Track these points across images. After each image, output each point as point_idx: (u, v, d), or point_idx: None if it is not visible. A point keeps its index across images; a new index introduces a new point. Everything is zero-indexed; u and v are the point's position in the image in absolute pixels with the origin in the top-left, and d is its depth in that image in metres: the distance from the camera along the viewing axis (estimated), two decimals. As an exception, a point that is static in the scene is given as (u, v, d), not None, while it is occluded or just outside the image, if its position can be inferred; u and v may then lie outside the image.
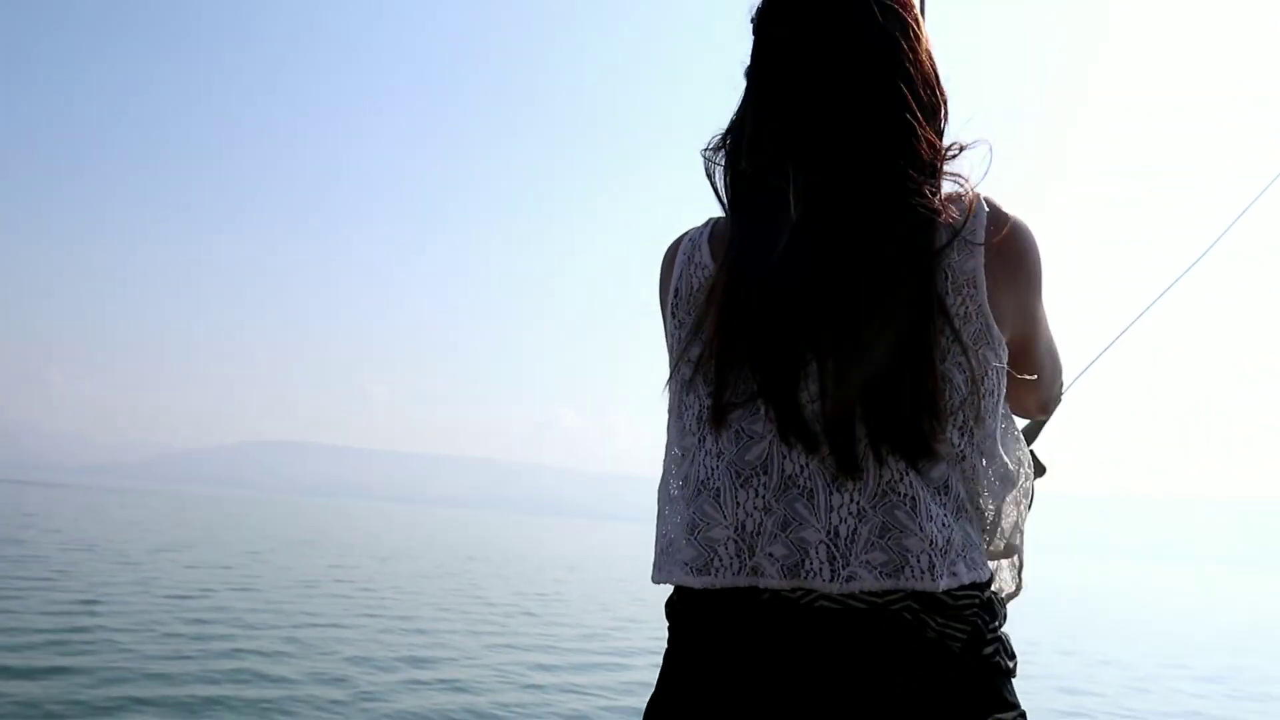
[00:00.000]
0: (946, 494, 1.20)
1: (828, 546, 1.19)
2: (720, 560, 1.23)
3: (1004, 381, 1.26)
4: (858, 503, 1.20)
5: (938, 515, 1.19)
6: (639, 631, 16.37)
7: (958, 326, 1.20)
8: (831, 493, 1.20)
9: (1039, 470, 1.50)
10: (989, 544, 1.28)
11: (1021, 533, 1.37)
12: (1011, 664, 1.27)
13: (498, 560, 37.45)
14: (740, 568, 1.23)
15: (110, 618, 12.78)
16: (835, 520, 1.20)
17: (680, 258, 1.38)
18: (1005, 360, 1.25)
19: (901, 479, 1.19)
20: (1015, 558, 1.39)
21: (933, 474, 1.20)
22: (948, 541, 1.19)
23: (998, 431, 1.26)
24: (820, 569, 1.20)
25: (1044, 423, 1.61)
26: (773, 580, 1.21)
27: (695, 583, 1.24)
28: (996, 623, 1.26)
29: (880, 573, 1.18)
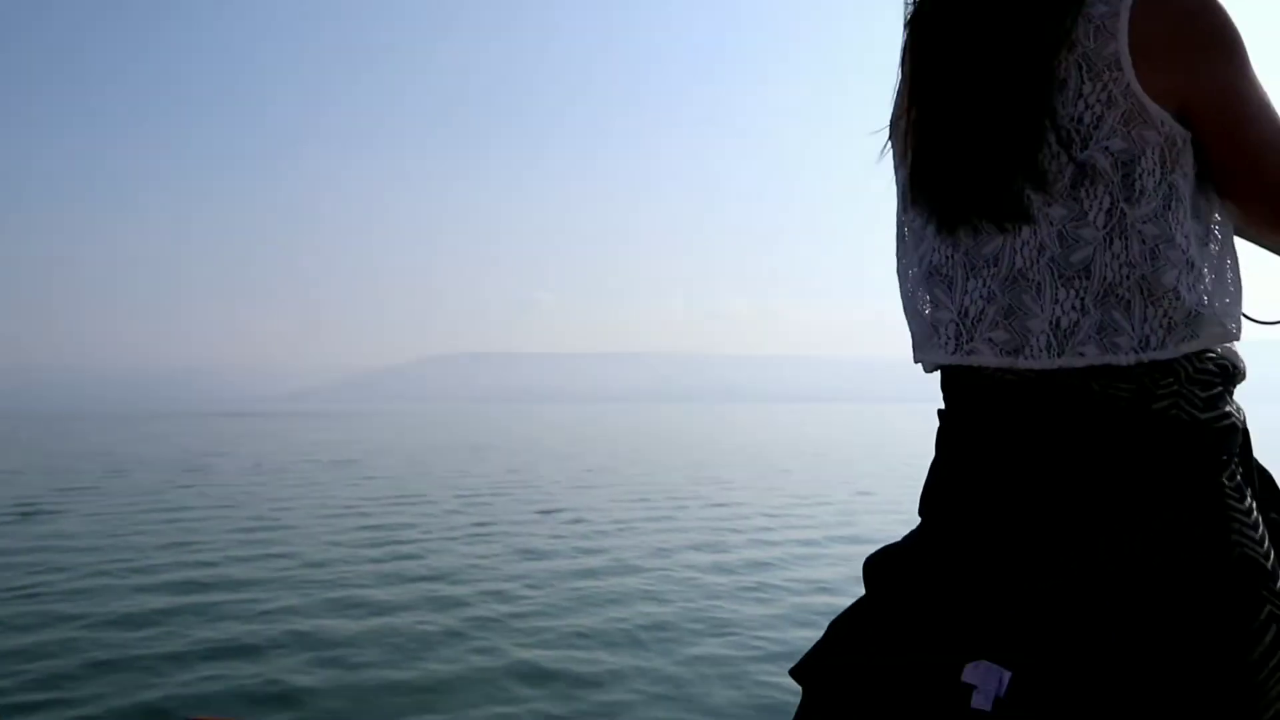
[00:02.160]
0: (1087, 278, 1.20)
1: (957, 325, 1.29)
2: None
3: (1181, 161, 1.20)
4: (987, 286, 1.25)
5: (1065, 299, 1.20)
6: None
7: (1090, 106, 1.19)
8: (968, 277, 1.28)
9: None
10: (1170, 324, 1.20)
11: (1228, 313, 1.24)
12: (1212, 417, 1.21)
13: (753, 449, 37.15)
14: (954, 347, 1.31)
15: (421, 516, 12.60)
16: (966, 301, 1.28)
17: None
18: (1177, 140, 1.20)
19: (1033, 265, 1.22)
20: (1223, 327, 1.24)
21: (1072, 258, 1.20)
22: (1074, 325, 1.20)
23: (1172, 215, 1.19)
24: (944, 343, 1.30)
25: None
26: (944, 356, 1.31)
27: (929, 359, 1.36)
28: (1173, 381, 1.20)
29: (1000, 350, 1.24)
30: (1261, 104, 1.22)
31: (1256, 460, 1.30)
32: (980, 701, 1.14)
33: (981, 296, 1.26)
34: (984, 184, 1.23)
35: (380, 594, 9.28)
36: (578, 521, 15.17)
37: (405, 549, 12.23)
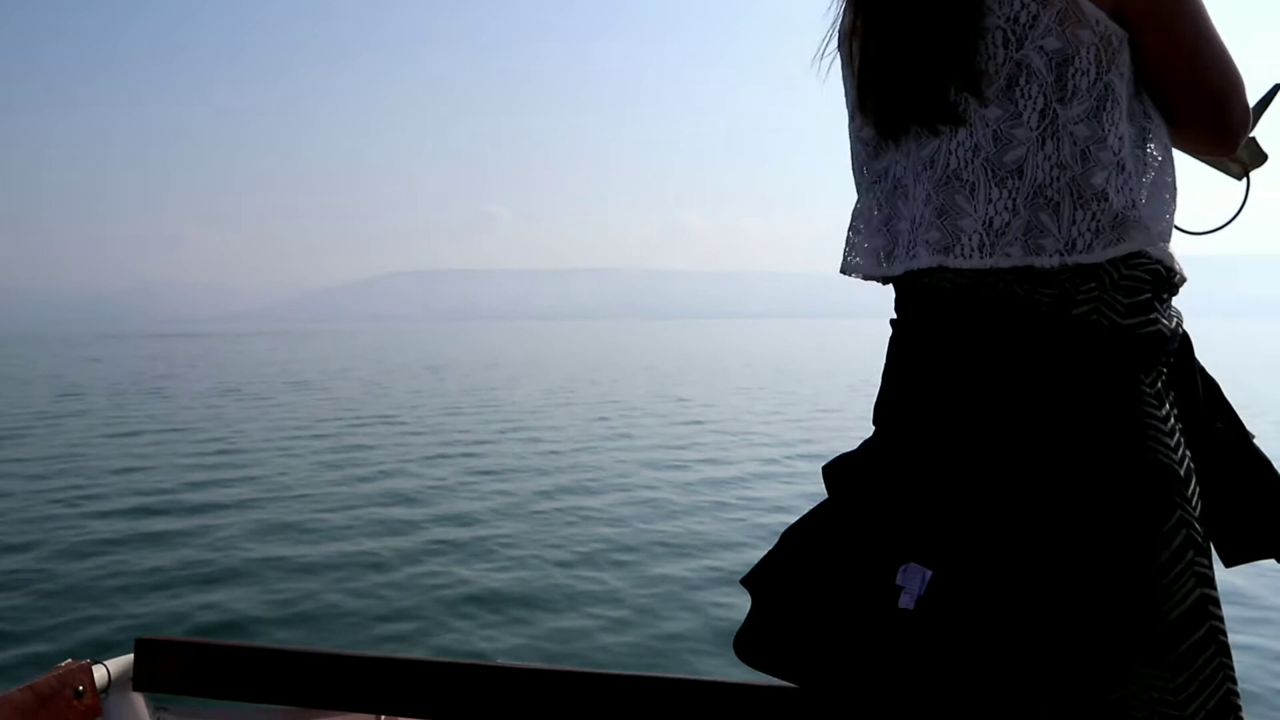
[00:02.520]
0: (1020, 178, 1.21)
1: (908, 233, 1.30)
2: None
3: (1117, 61, 1.21)
4: (925, 189, 1.27)
5: (999, 199, 1.21)
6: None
7: (1023, 6, 1.19)
8: (915, 183, 1.29)
9: (1260, 158, 1.46)
10: (1097, 227, 1.20)
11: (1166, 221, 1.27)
12: (1135, 323, 1.21)
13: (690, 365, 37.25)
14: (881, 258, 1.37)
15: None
16: (915, 210, 1.29)
17: None
18: (1112, 40, 1.20)
19: (967, 165, 1.23)
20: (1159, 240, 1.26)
21: (1006, 158, 1.21)
22: (1005, 225, 1.21)
23: (1106, 116, 1.20)
24: (900, 253, 1.32)
25: (1259, 110, 1.40)
26: (879, 269, 1.36)
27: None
28: (1095, 287, 1.21)
29: (933, 249, 1.24)
30: (1198, 7, 1.23)
31: (1201, 368, 1.30)
32: (905, 601, 1.19)
33: (923, 201, 1.27)
34: (920, 88, 1.25)
35: (337, 519, 9.23)
36: (535, 441, 15.19)
37: (361, 472, 12.20)
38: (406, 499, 10.28)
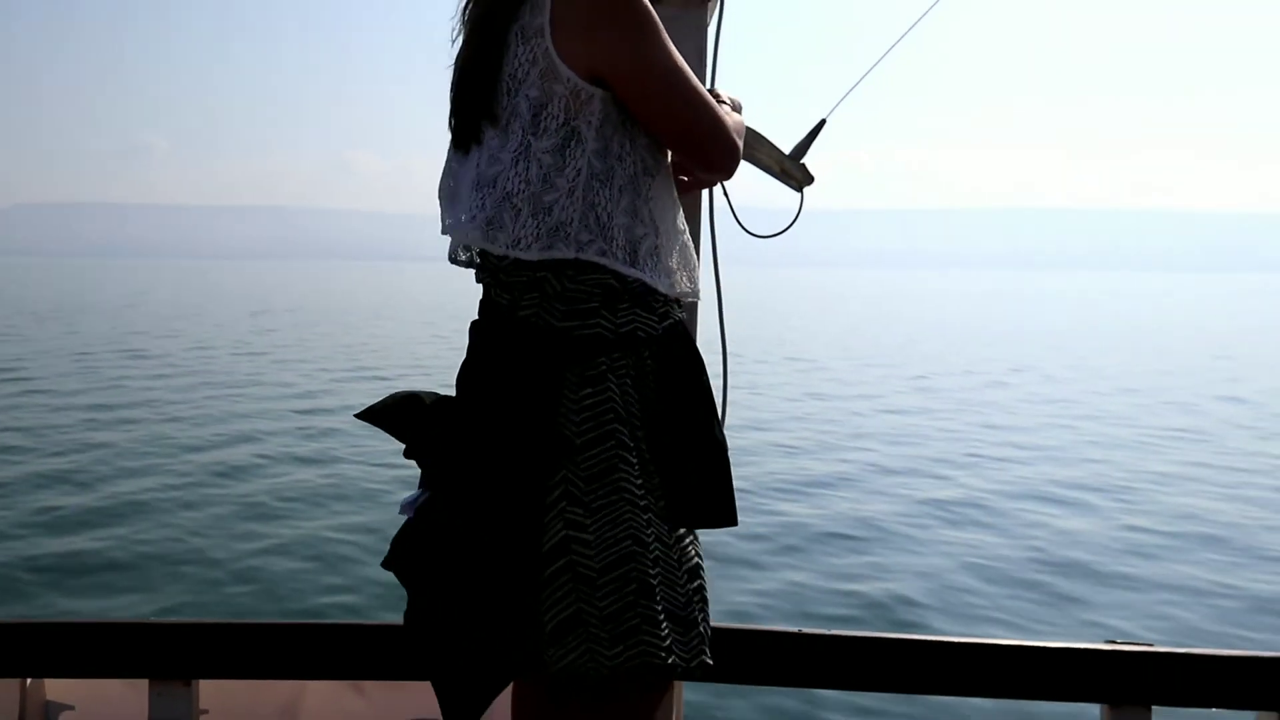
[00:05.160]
0: (493, 188, 1.53)
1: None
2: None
3: (585, 110, 1.51)
4: (467, 187, 1.58)
5: (475, 200, 1.55)
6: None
7: (520, 64, 1.51)
8: (464, 181, 1.61)
9: (809, 179, 1.94)
10: (539, 233, 1.51)
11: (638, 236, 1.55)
12: (571, 325, 1.51)
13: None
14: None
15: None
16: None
17: None
18: (581, 94, 1.50)
19: (474, 175, 1.56)
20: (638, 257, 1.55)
21: (490, 172, 1.54)
22: (472, 218, 1.54)
23: (569, 151, 1.51)
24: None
25: (807, 142, 1.95)
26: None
27: None
28: (537, 297, 1.53)
29: (445, 228, 1.61)
30: (668, 69, 1.53)
31: (697, 362, 1.61)
32: (407, 513, 1.58)
33: (465, 196, 1.59)
34: (463, 117, 1.59)
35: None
36: (160, 378, 17.45)
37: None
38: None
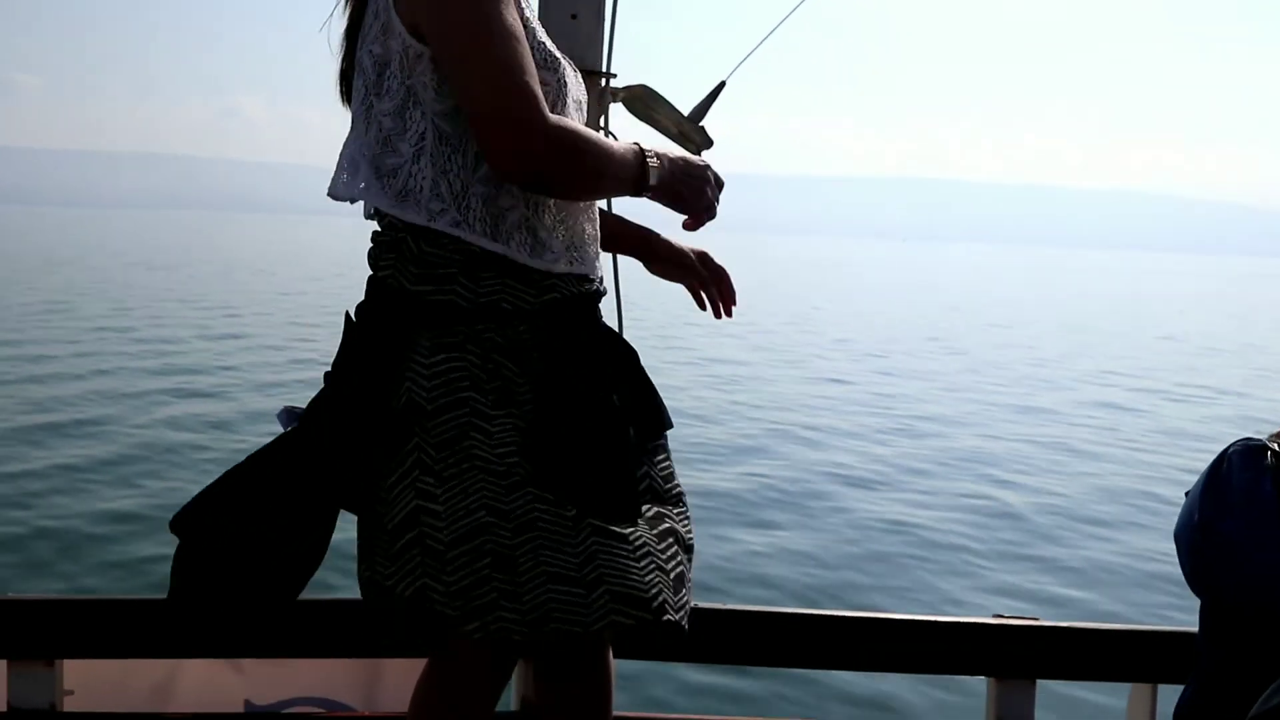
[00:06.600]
0: (347, 149, 1.51)
1: None
2: None
3: (417, 69, 1.42)
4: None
5: (343, 155, 1.52)
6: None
7: (369, 21, 1.46)
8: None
9: (708, 142, 1.93)
10: (384, 195, 1.46)
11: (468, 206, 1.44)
12: (425, 290, 1.45)
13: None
14: None
15: None
16: None
17: None
18: (410, 51, 1.41)
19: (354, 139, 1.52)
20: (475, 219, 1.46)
21: (351, 134, 1.51)
22: (342, 182, 1.51)
23: (408, 114, 1.44)
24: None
25: (706, 104, 1.96)
26: None
27: None
28: (394, 258, 1.47)
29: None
30: (474, 33, 1.36)
31: (600, 334, 1.53)
32: (290, 422, 1.55)
33: None
34: (340, 74, 1.58)
35: None
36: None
37: None
38: None
